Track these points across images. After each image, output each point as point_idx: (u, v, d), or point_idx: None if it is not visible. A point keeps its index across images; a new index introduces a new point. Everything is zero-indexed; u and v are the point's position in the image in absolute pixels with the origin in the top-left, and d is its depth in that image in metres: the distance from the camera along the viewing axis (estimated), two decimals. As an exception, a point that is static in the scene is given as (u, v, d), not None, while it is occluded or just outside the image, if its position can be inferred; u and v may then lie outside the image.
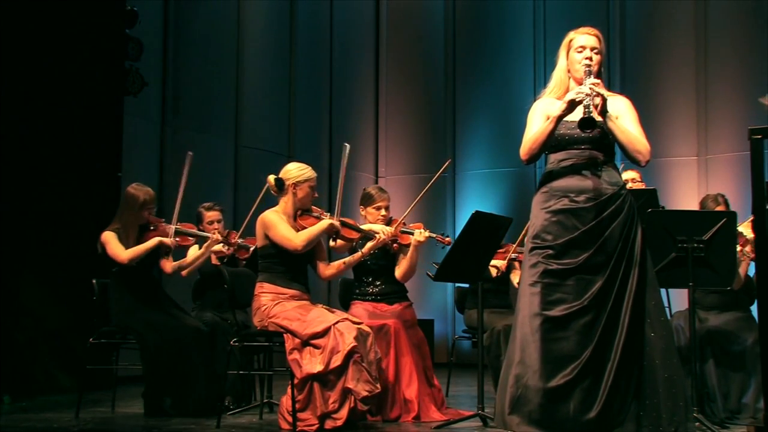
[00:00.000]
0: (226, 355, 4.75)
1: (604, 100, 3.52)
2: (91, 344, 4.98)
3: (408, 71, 10.26)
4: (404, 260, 5.06)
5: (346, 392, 4.25)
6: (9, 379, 5.60)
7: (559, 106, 3.55)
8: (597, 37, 3.71)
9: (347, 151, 4.67)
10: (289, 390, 4.31)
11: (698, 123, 8.72)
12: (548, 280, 3.50)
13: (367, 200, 5.14)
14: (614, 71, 8.97)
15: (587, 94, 3.48)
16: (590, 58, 3.63)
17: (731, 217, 4.41)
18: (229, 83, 8.36)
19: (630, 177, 6.52)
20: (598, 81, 3.56)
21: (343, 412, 4.24)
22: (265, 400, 5.06)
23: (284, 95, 9.06)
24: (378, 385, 4.33)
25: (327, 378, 4.26)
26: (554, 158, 3.65)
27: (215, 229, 5.47)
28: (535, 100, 3.80)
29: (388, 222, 5.10)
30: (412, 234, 4.96)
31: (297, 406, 4.25)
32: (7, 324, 5.78)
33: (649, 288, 3.54)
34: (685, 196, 8.41)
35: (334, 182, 9.43)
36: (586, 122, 3.46)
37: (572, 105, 3.51)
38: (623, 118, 3.63)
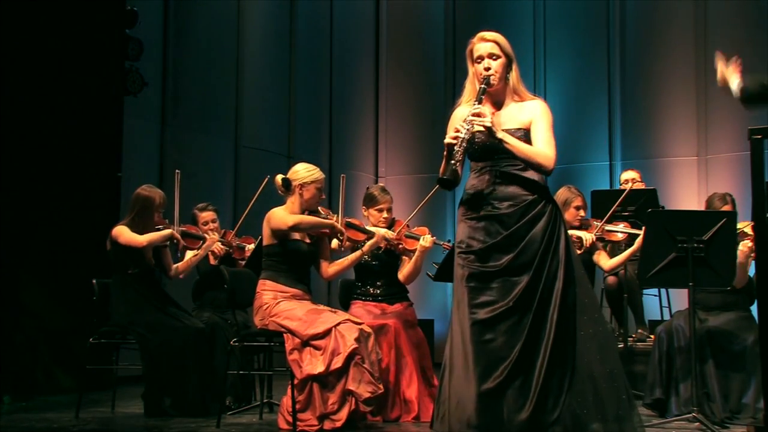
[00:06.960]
0: (226, 355, 4.76)
1: (488, 128, 3.48)
2: (91, 344, 4.98)
3: (408, 71, 10.25)
4: (409, 263, 5.06)
5: (346, 394, 4.25)
6: (9, 379, 5.60)
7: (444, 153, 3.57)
8: (494, 41, 3.68)
9: (344, 182, 4.72)
10: (289, 390, 4.31)
11: (698, 123, 8.70)
12: (474, 283, 3.52)
13: (369, 201, 5.15)
14: (614, 71, 8.93)
15: (460, 139, 3.48)
16: (488, 68, 3.63)
17: (731, 217, 4.41)
18: (229, 83, 8.36)
19: (630, 177, 6.51)
20: (478, 109, 3.51)
21: (343, 414, 4.24)
22: (265, 400, 5.07)
23: (284, 95, 9.05)
24: (381, 386, 4.33)
25: (327, 379, 4.25)
26: (476, 167, 3.69)
27: (210, 229, 5.49)
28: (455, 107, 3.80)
29: (391, 223, 5.11)
30: (418, 239, 4.98)
31: (297, 406, 4.25)
32: (7, 324, 5.77)
33: (580, 286, 3.54)
34: (685, 196, 8.41)
35: (333, 182, 9.42)
36: (442, 183, 3.54)
37: (450, 148, 3.52)
38: (536, 123, 3.62)
